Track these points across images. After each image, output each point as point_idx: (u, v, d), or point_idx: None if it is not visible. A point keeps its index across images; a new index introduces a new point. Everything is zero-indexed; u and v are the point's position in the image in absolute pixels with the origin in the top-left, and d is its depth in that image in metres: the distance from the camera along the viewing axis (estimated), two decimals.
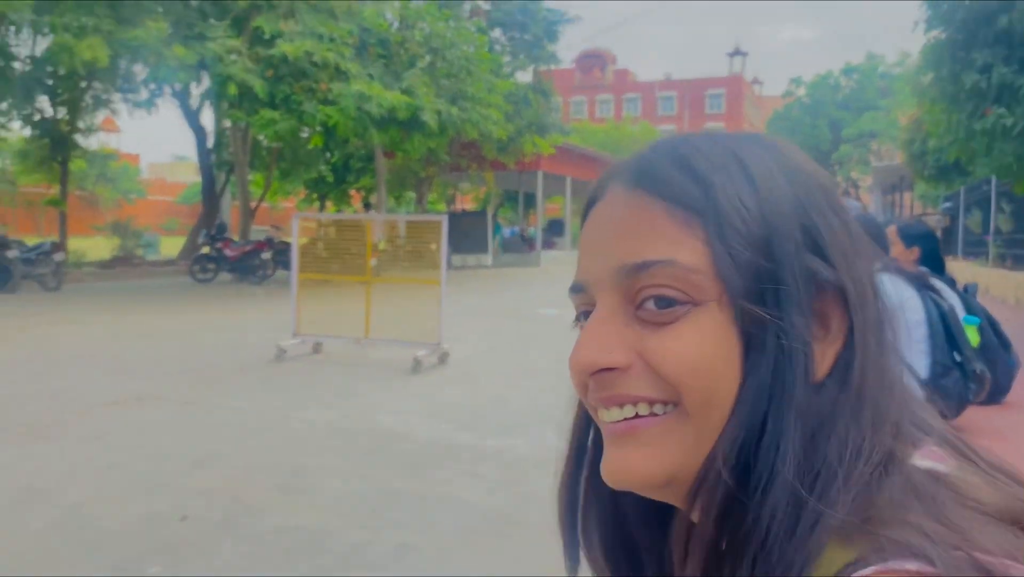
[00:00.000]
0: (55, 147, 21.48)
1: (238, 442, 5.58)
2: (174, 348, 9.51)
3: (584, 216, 0.65)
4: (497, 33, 27.81)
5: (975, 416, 4.52)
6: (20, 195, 29.57)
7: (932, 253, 4.45)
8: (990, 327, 4.54)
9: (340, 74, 16.57)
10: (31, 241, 17.75)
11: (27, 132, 22.17)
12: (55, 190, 22.66)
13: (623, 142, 46.67)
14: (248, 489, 4.62)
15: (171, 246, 29.80)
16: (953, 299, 4.31)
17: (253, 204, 24.51)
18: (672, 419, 0.56)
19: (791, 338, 0.54)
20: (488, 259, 27.60)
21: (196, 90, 21.84)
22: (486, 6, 27.81)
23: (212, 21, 17.02)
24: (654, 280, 0.56)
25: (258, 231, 23.42)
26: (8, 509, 4.26)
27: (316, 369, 8.47)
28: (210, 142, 24.48)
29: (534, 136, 24.79)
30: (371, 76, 17.12)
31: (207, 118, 24.48)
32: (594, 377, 0.58)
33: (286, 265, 17.17)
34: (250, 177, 24.62)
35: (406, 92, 17.15)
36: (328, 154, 28.16)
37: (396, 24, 19.49)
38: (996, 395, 4.56)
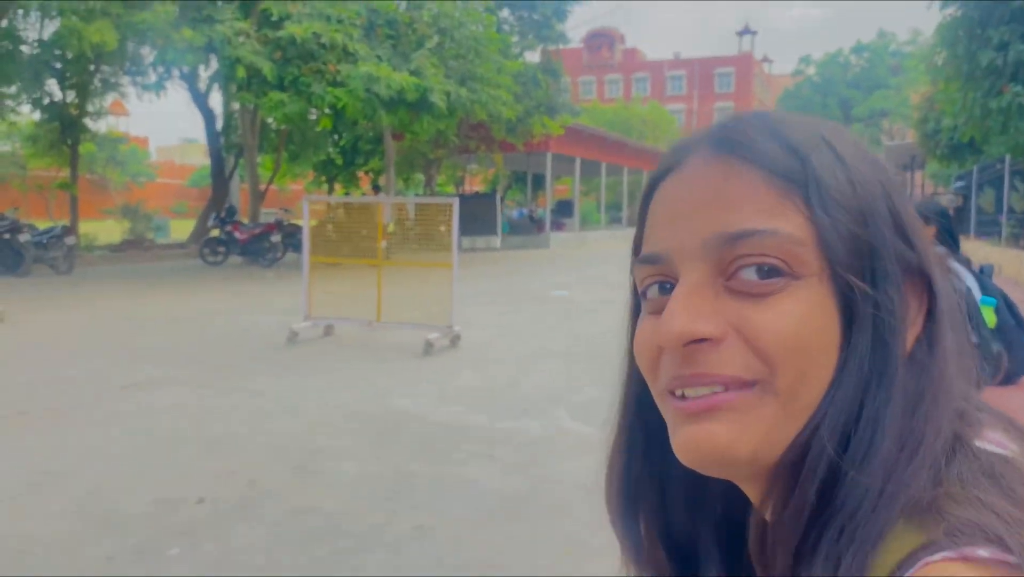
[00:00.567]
0: (65, 130, 21.53)
1: (253, 425, 5.61)
2: (187, 331, 9.55)
3: (652, 186, 0.62)
4: (505, 13, 27.59)
5: (992, 397, 4.49)
6: (30, 179, 29.65)
7: (947, 231, 4.42)
8: (1007, 308, 4.51)
9: (348, 55, 16.49)
10: (42, 225, 17.83)
11: (37, 116, 22.22)
12: (65, 174, 22.71)
13: (632, 122, 46.46)
14: (264, 472, 4.65)
15: (181, 229, 29.86)
16: (969, 280, 4.28)
17: (262, 187, 24.53)
18: (756, 395, 0.54)
19: (891, 315, 0.54)
20: (497, 241, 27.56)
21: (204, 73, 21.78)
22: None
23: (220, 3, 16.97)
24: (754, 249, 0.54)
25: (267, 214, 23.45)
26: (28, 491, 4.30)
27: (328, 352, 8.50)
28: (219, 125, 24.49)
29: (543, 117, 24.64)
30: (379, 57, 17.04)
31: (216, 101, 24.57)
32: (684, 349, 0.55)
33: (296, 248, 17.21)
34: (259, 160, 24.61)
35: (415, 73, 17.07)
36: (337, 136, 28.13)
37: (404, 4, 19.36)
38: (1013, 376, 4.54)
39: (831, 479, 0.52)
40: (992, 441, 0.53)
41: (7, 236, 15.41)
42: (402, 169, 29.51)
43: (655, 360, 0.58)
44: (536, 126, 24.44)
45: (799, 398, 0.54)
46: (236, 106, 22.00)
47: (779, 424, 0.54)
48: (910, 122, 31.36)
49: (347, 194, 29.20)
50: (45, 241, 15.97)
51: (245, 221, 20.62)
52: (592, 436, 4.83)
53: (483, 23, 20.50)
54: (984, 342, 4.11)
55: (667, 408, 0.59)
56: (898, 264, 0.55)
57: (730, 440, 0.54)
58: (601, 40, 69.53)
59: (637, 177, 39.29)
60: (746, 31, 72.89)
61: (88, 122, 22.78)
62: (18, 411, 5.84)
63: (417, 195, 31.84)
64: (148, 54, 18.62)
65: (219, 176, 24.06)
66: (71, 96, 21.55)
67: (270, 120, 21.68)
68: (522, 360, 7.99)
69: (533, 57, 28.44)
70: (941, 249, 4.30)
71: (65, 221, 20.22)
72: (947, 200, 22.17)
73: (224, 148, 24.84)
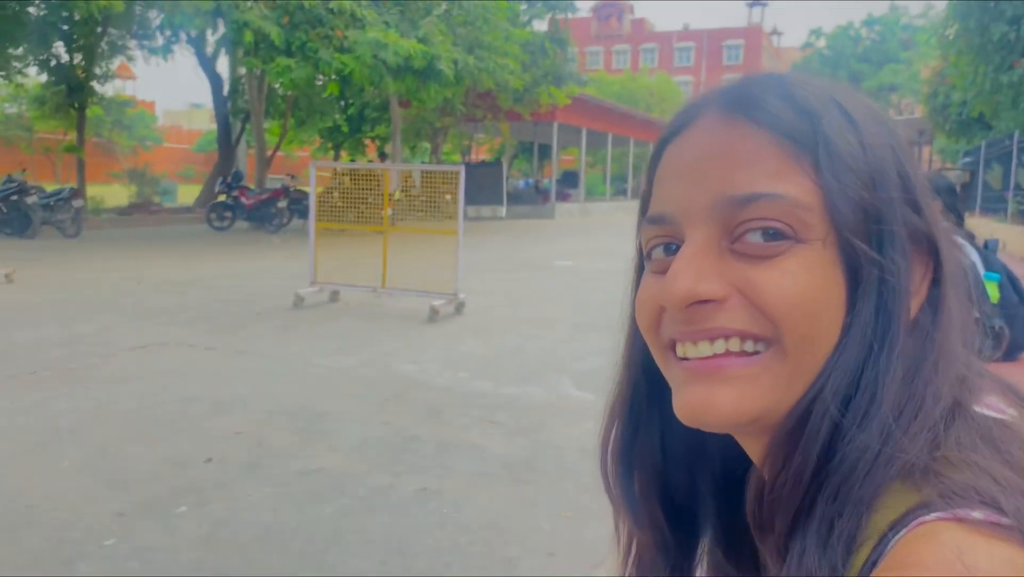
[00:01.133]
0: (71, 93, 21.46)
1: (260, 387, 5.68)
2: (194, 294, 9.61)
3: (660, 147, 0.62)
4: None
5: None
6: (37, 141, 29.67)
7: (952, 207, 4.43)
8: (1010, 283, 4.54)
9: (356, 21, 16.38)
10: (49, 187, 17.83)
11: (43, 78, 22.15)
12: (72, 136, 22.69)
13: (639, 93, 46.12)
14: (271, 433, 4.71)
15: (188, 194, 29.87)
16: (973, 255, 4.30)
17: (269, 153, 24.48)
18: (767, 358, 0.55)
19: (896, 280, 0.54)
20: (502, 211, 27.51)
21: (212, 37, 21.68)
22: None
23: None
24: (760, 213, 0.54)
25: (274, 180, 23.44)
26: (38, 448, 4.38)
27: (334, 317, 8.55)
28: (226, 90, 24.38)
29: (550, 87, 24.49)
30: (387, 24, 16.92)
31: (223, 66, 24.37)
32: (687, 310, 0.55)
33: (302, 214, 17.21)
34: (266, 126, 24.54)
35: (422, 40, 16.96)
36: (343, 103, 28.01)
37: None
38: (1014, 351, 4.57)
39: (831, 441, 0.52)
40: (991, 406, 0.54)
41: (15, 198, 15.43)
42: (408, 137, 29.39)
43: (656, 319, 0.59)
44: (543, 96, 24.30)
45: (805, 361, 0.54)
46: (243, 71, 21.91)
47: (784, 386, 0.55)
48: (919, 97, 31.10)
49: (353, 161, 29.15)
50: (52, 203, 15.98)
51: (252, 187, 20.60)
52: (594, 403, 4.88)
53: None
54: (986, 317, 4.13)
55: (670, 368, 0.59)
56: (905, 229, 0.55)
57: (733, 403, 0.55)
58: (610, 10, 68.83)
59: (643, 149, 39.09)
60: (756, 3, 72.01)
61: (95, 85, 22.69)
62: (28, 371, 5.91)
63: (424, 163, 31.77)
64: (155, 17, 18.51)
65: (226, 141, 24.00)
66: (78, 58, 21.46)
67: (277, 86, 21.56)
68: (526, 328, 8.04)
69: (541, 26, 28.24)
70: (945, 224, 4.31)
71: (72, 184, 20.23)
72: (954, 176, 22.02)
73: (231, 113, 24.76)
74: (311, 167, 10.03)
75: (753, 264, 0.54)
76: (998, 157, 18.92)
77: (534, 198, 31.24)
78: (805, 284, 0.53)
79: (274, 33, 15.64)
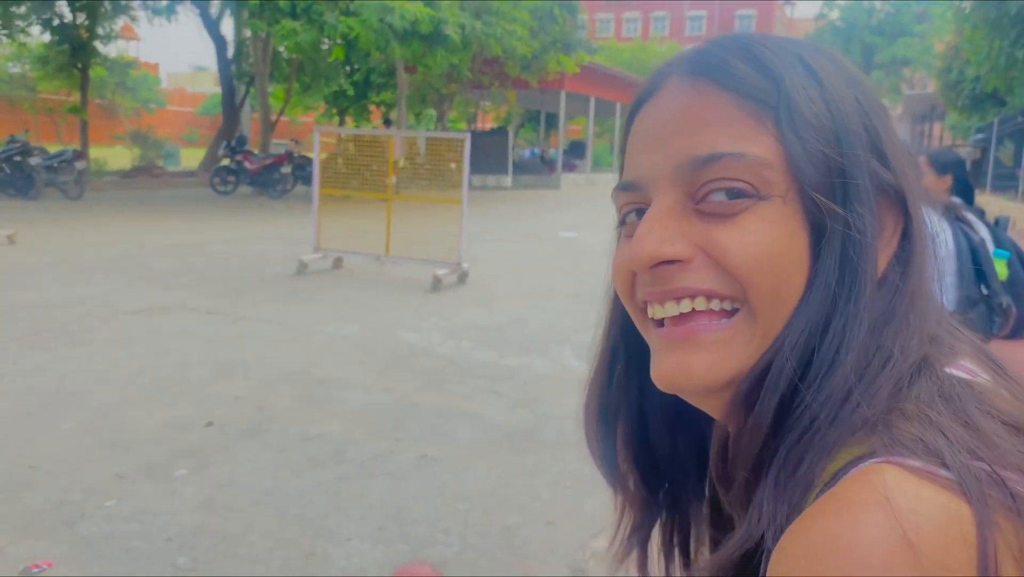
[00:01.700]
0: (74, 53, 21.30)
1: (262, 352, 5.67)
2: (197, 259, 9.59)
3: (632, 114, 0.63)
4: None
5: (999, 350, 4.50)
6: (40, 102, 29.49)
7: (962, 181, 4.37)
8: (1019, 261, 4.49)
9: None
10: (52, 149, 17.75)
11: (46, 37, 21.97)
12: (75, 97, 22.56)
13: (649, 62, 45.61)
14: (272, 398, 4.71)
15: (191, 157, 29.77)
16: (983, 231, 4.25)
17: (273, 117, 24.32)
18: (738, 321, 0.55)
19: (861, 233, 0.54)
20: (508, 180, 27.39)
21: None
22: None
23: None
24: (722, 172, 0.54)
25: (278, 145, 23.31)
26: (40, 409, 4.38)
27: (337, 284, 8.53)
28: (230, 53, 24.16)
29: (559, 54, 24.22)
30: None
31: (227, 28, 24.15)
32: (652, 272, 0.57)
33: (305, 180, 17.14)
34: (270, 90, 24.35)
35: (429, 4, 16.76)
36: (349, 68, 27.75)
37: None
38: (1021, 329, 4.54)
39: (792, 393, 0.53)
40: (962, 369, 0.54)
41: (18, 159, 15.35)
42: (414, 104, 29.16)
43: (630, 283, 0.60)
44: (551, 63, 24.04)
45: (773, 318, 0.55)
46: (248, 34, 21.67)
47: (757, 347, 0.55)
48: (932, 71, 30.81)
49: (358, 127, 28.98)
50: (56, 165, 15.91)
51: (255, 151, 20.50)
52: None
53: None
54: (994, 294, 4.10)
55: (649, 334, 0.60)
56: (871, 183, 0.55)
57: (707, 369, 0.56)
58: None
59: None
60: None
61: (98, 45, 22.51)
62: (31, 332, 5.91)
63: (428, 130, 31.59)
64: None
65: (230, 105, 23.84)
66: (81, 18, 21.26)
67: (282, 49, 21.37)
68: (529, 298, 8.01)
69: None
70: (956, 199, 4.26)
71: (75, 146, 20.14)
72: (966, 153, 21.85)
73: (235, 76, 24.55)
74: (315, 132, 9.95)
75: (716, 223, 0.55)
76: (1011, 134, 18.73)
77: (540, 168, 31.05)
78: (767, 241, 0.54)
79: None
